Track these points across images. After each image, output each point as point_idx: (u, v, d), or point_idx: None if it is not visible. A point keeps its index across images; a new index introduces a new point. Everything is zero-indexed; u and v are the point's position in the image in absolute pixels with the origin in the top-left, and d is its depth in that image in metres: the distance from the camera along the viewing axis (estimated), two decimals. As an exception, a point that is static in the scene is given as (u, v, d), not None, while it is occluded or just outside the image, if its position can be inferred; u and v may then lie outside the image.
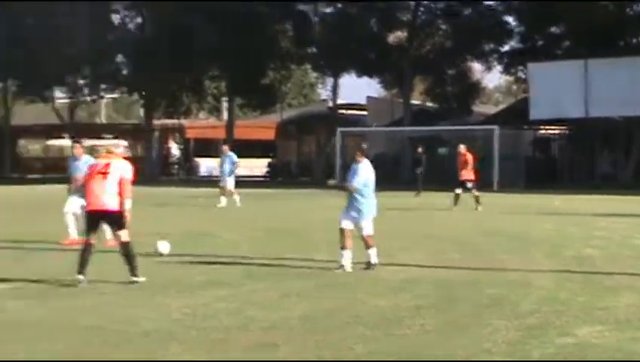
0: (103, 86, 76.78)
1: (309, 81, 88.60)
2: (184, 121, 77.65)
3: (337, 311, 11.16)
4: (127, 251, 13.47)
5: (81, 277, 13.17)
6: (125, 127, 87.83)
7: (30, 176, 73.15)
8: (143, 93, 72.00)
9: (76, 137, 73.55)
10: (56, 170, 75.23)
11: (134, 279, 13.23)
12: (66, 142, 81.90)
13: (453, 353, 8.85)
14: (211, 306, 11.47)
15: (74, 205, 18.44)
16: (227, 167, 33.10)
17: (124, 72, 72.84)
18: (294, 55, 68.01)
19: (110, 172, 13.53)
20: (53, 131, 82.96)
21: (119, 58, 72.78)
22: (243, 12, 61.41)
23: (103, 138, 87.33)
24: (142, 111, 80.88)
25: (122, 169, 13.74)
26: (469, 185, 30.80)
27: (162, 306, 11.42)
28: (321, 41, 65.06)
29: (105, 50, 67.96)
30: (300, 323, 10.36)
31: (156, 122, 73.04)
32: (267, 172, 72.12)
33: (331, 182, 43.05)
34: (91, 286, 12.90)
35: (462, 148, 31.78)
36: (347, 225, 14.79)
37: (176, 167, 77.11)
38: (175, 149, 79.44)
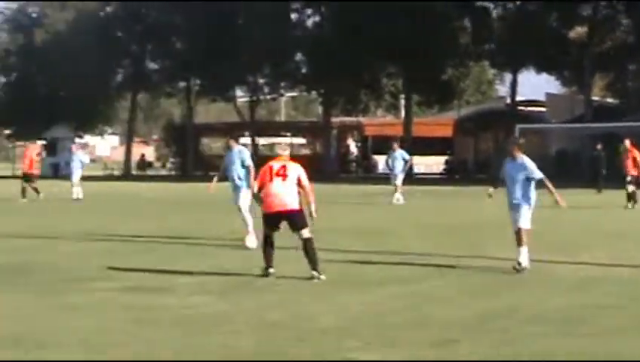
0: (282, 84, 78.08)
1: (487, 77, 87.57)
2: (362, 119, 77.96)
3: (516, 309, 11.04)
4: (309, 247, 13.67)
5: (271, 269, 13.61)
6: (304, 124, 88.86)
7: (212, 174, 74.68)
8: (322, 91, 72.70)
9: (256, 135, 75.42)
10: None
11: (315, 274, 13.42)
12: (246, 140, 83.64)
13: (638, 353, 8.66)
14: (388, 303, 11.51)
15: (247, 199, 18.65)
16: (398, 164, 33.29)
17: (304, 70, 73.79)
18: (472, 52, 67.51)
19: (288, 174, 13.86)
20: (235, 129, 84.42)
21: (298, 57, 73.81)
22: (420, 9, 61.36)
23: (282, 136, 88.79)
24: (320, 109, 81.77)
25: (298, 169, 14.04)
26: (628, 178, 30.10)
27: (341, 303, 11.52)
28: (499, 37, 64.44)
29: (284, 49, 69.05)
30: (477, 321, 10.29)
31: (334, 120, 73.59)
32: (444, 169, 71.82)
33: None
34: (272, 283, 13.16)
35: (627, 143, 31.08)
36: (523, 223, 14.26)
37: (354, 164, 77.50)
38: (353, 147, 79.87)
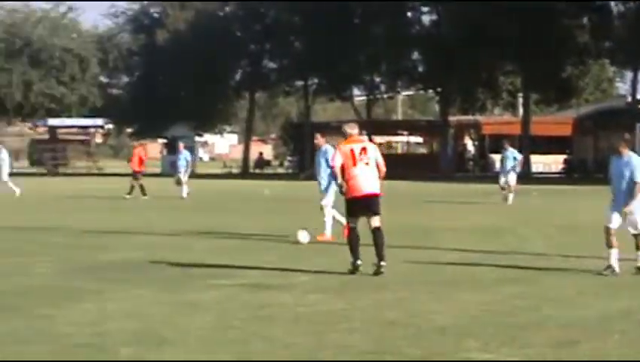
0: (399, 83, 77.99)
1: (607, 75, 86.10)
2: (479, 117, 77.39)
3: (636, 311, 10.87)
4: (380, 236, 13.71)
5: (359, 262, 13.68)
6: (421, 123, 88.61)
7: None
8: (439, 89, 72.41)
9: (373, 134, 75.43)
10: None
11: (383, 264, 13.48)
12: (363, 138, 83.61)
13: None
14: (507, 302, 11.42)
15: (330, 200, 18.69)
16: (509, 163, 32.97)
17: (420, 68, 73.60)
18: (592, 49, 66.47)
19: (369, 156, 13.89)
20: None
21: (415, 55, 73.64)
22: (541, 8, 60.71)
23: (399, 134, 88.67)
24: (437, 108, 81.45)
25: (376, 150, 14.18)
26: None
27: (458, 302, 11.47)
28: (619, 35, 63.28)
29: (401, 48, 68.97)
30: (597, 322, 10.16)
31: (452, 118, 73.19)
32: (563, 168, 70.83)
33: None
34: (389, 281, 13.17)
35: None
36: (614, 223, 13.77)
37: (471, 163, 76.97)
38: (470, 145, 79.33)
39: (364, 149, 13.97)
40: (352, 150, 13.94)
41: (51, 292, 12.42)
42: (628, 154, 13.88)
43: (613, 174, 14.14)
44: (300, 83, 79.08)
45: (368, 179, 13.79)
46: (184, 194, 36.14)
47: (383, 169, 14.07)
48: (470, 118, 76.58)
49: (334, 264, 14.96)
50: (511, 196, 31.87)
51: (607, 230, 13.74)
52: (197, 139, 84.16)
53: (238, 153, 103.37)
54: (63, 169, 76.86)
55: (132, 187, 36.49)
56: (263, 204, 33.47)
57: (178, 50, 73.25)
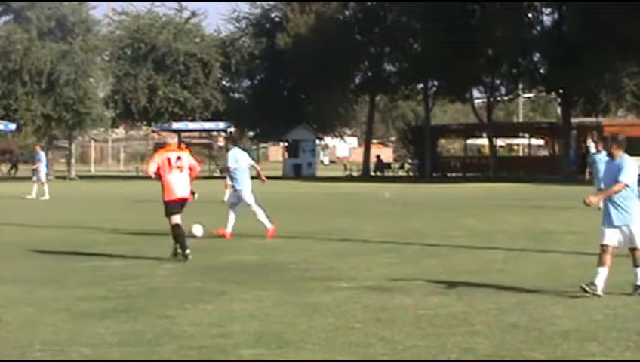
0: (520, 85, 77.15)
1: None
2: (602, 119, 75.90)
3: None
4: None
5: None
6: (542, 125, 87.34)
7: (449, 175, 74.76)
8: (561, 91, 71.35)
9: (493, 136, 74.91)
10: (475, 169, 76.29)
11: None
12: (483, 141, 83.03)
13: None
14: (632, 307, 11.21)
15: None
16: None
17: (542, 70, 72.71)
18: None
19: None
20: (472, 130, 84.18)
21: (536, 56, 72.78)
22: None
23: (520, 137, 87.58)
24: (559, 110, 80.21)
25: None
26: None
27: (582, 306, 11.32)
28: None
29: (521, 49, 68.29)
30: None
31: (574, 120, 71.99)
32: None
33: None
34: (508, 285, 13.05)
35: None
36: (610, 239, 12.23)
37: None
38: (593, 148, 77.83)
39: (179, 158, 16.78)
40: (168, 158, 16.70)
41: (174, 293, 12.66)
42: (621, 157, 12.53)
43: (604, 179, 13.06)
44: (419, 86, 78.97)
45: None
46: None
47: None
48: (592, 120, 75.14)
49: (453, 267, 14.90)
50: None
51: (603, 247, 12.28)
52: (318, 142, 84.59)
53: (358, 156, 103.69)
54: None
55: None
56: (382, 207, 33.45)
57: (298, 53, 73.84)
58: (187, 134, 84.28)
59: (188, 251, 16.28)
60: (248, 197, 20.75)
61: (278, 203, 34.99)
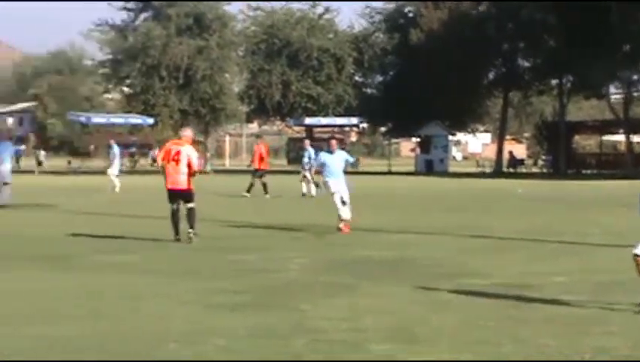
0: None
1: None
2: None
3: None
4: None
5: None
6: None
7: (584, 172, 73.54)
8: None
9: (631, 133, 73.42)
10: (611, 166, 74.86)
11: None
12: (620, 137, 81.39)
13: None
14: None
15: None
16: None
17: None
18: None
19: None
20: (608, 127, 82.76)
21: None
22: None
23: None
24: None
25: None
26: None
27: None
28: None
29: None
30: None
31: None
32: None
33: None
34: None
35: None
36: None
37: None
38: None
39: (178, 152, 18.32)
40: (169, 150, 18.52)
41: (306, 287, 12.78)
42: None
43: None
44: (554, 81, 78.06)
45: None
46: (313, 193, 34.41)
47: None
48: None
49: (588, 266, 14.69)
50: None
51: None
52: (450, 138, 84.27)
53: (491, 152, 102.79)
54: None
55: (264, 185, 36.25)
56: (515, 204, 33.12)
57: (431, 49, 73.72)
58: (319, 129, 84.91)
59: (179, 236, 18.31)
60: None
61: (410, 198, 35.05)
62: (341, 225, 20.51)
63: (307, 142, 41.68)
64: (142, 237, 19.12)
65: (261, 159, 38.30)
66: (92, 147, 74.45)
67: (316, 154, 27.99)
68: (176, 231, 18.31)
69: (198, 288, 12.62)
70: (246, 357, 8.49)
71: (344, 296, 11.94)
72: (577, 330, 9.70)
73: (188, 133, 19.38)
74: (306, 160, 36.66)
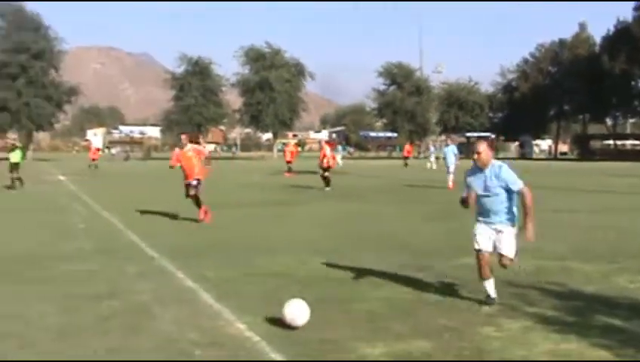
0: None
1: None
2: None
3: None
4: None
5: None
6: None
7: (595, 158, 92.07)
8: None
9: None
10: (611, 156, 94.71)
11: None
12: (619, 141, 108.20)
13: None
14: None
15: None
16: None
17: None
18: None
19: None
20: (607, 137, 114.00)
21: None
22: None
23: None
24: None
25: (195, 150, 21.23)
26: None
27: None
28: None
29: None
30: None
31: None
32: None
33: None
34: None
35: None
36: None
37: None
38: None
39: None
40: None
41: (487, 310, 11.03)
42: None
43: None
44: (580, 116, 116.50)
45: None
46: (450, 184, 35.23)
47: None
48: None
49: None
50: None
51: None
52: (533, 141, 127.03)
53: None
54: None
55: (328, 180, 35.09)
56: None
57: (524, 100, 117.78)
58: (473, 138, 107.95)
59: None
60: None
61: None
62: None
63: (449, 139, 51.63)
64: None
65: (292, 155, 44.42)
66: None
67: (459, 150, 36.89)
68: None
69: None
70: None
71: (519, 319, 10.40)
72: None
73: None
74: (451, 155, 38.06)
